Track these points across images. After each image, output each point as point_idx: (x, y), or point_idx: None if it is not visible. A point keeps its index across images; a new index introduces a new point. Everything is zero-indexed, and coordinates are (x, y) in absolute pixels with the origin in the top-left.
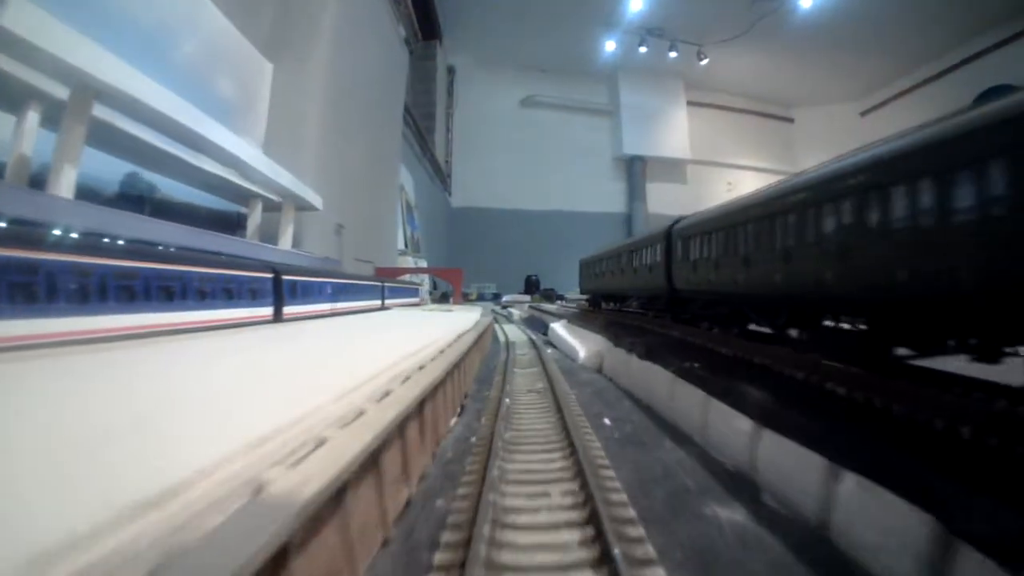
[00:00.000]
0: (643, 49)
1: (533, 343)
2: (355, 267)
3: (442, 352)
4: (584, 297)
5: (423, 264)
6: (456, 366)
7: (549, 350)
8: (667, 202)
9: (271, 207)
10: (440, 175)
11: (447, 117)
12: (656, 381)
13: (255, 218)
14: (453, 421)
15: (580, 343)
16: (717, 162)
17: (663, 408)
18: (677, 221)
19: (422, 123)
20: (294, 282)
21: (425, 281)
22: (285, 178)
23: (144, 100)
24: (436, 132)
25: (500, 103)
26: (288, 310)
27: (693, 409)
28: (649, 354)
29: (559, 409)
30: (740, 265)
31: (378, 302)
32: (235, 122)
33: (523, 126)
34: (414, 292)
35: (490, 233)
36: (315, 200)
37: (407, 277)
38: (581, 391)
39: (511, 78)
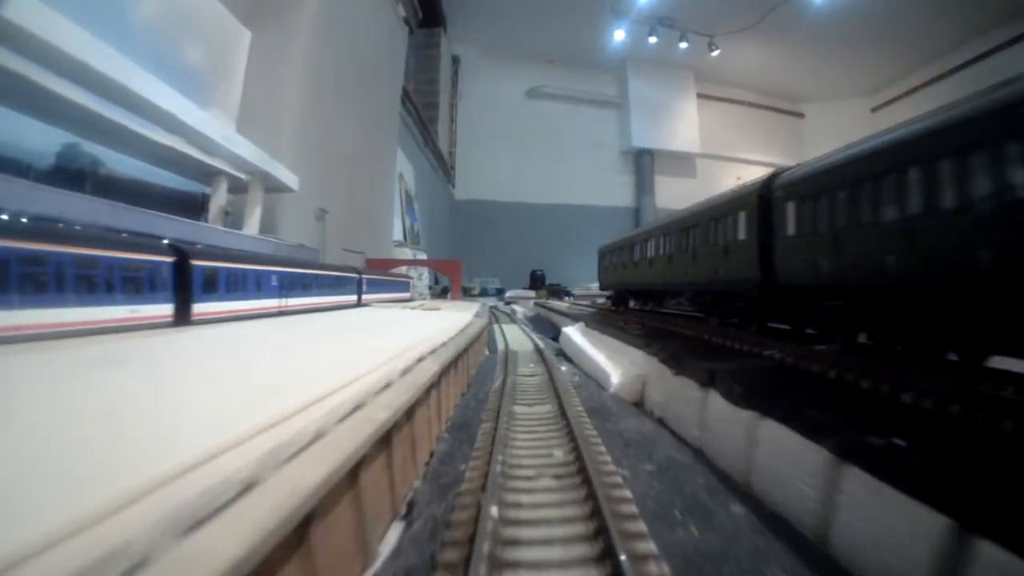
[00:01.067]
0: (653, 39)
1: (541, 355)
2: (341, 258)
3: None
4: (599, 293)
5: (423, 257)
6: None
7: (564, 366)
8: (676, 196)
9: (240, 187)
10: (443, 166)
11: (451, 108)
12: (797, 464)
13: (218, 199)
14: None
15: (610, 361)
16: (727, 156)
17: (814, 522)
18: (775, 175)
19: (425, 113)
20: (213, 270)
21: (424, 275)
22: (249, 151)
23: (66, 50)
24: (439, 122)
25: (506, 94)
26: (201, 308)
27: (913, 545)
28: (751, 395)
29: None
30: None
31: (352, 298)
32: (204, 92)
33: (529, 118)
34: (403, 286)
35: (494, 227)
36: (289, 179)
37: (404, 270)
38: (634, 470)
39: (517, 68)
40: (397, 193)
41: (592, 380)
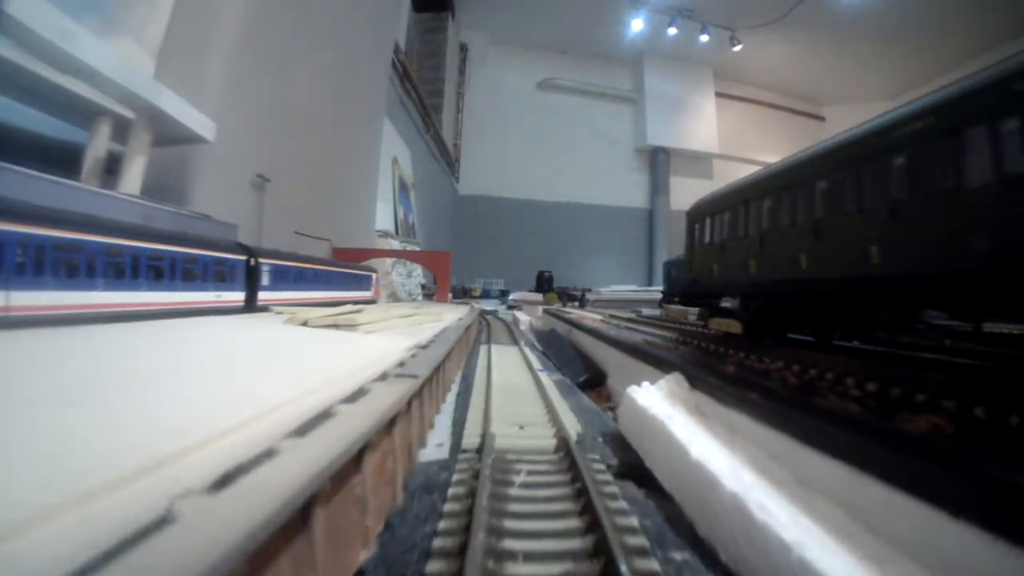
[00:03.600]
0: (672, 30)
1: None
2: (294, 243)
3: None
4: (627, 299)
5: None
6: None
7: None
8: (691, 199)
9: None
10: (447, 158)
11: (458, 97)
12: None
13: (96, 146)
14: None
15: None
16: (745, 158)
17: None
18: None
19: (429, 100)
20: None
21: (415, 272)
22: (123, 71)
23: None
24: (444, 111)
25: (515, 85)
26: None
27: None
28: None
29: None
30: None
31: (236, 297)
32: (110, 13)
33: (539, 110)
34: (359, 282)
35: (499, 224)
36: (198, 125)
37: (389, 264)
38: None
39: (528, 59)
40: (389, 177)
41: None
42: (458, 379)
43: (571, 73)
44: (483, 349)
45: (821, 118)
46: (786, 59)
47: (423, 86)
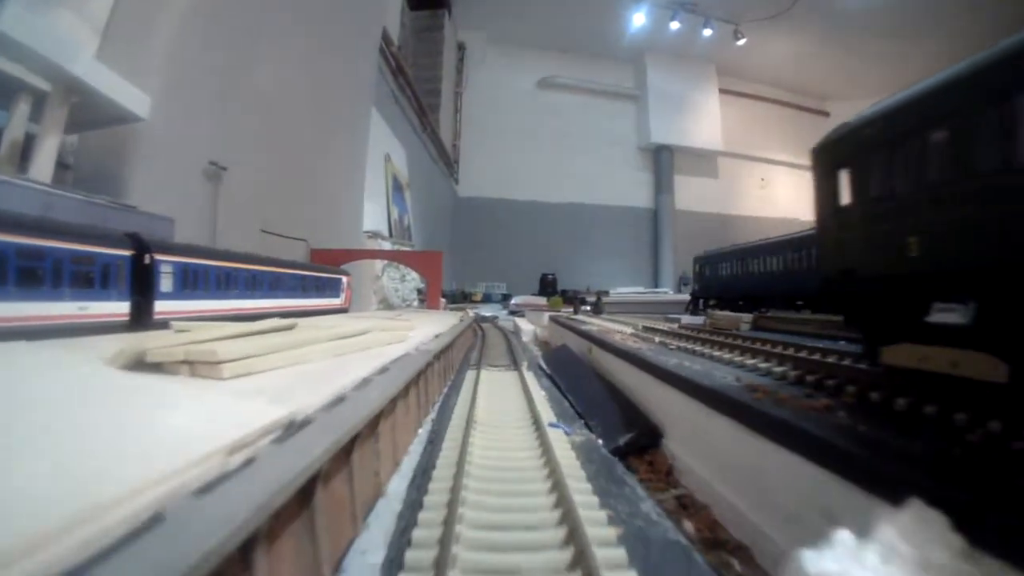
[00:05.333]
0: (675, 25)
1: None
2: (263, 243)
3: None
4: (643, 300)
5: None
6: None
7: None
8: (696, 197)
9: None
10: (445, 158)
11: (455, 97)
12: None
13: (14, 127)
14: None
15: None
16: (749, 156)
17: None
18: None
19: (426, 100)
20: None
21: (409, 276)
22: (37, 39)
23: None
24: (442, 111)
25: (515, 84)
26: None
27: None
28: None
29: None
30: None
31: (113, 309)
32: None
33: (540, 110)
34: (323, 287)
35: (500, 227)
36: (129, 99)
37: (379, 267)
38: None
39: (527, 57)
40: (382, 175)
41: None
42: (421, 435)
43: (572, 71)
44: (470, 377)
45: (826, 114)
46: (790, 54)
47: (419, 85)
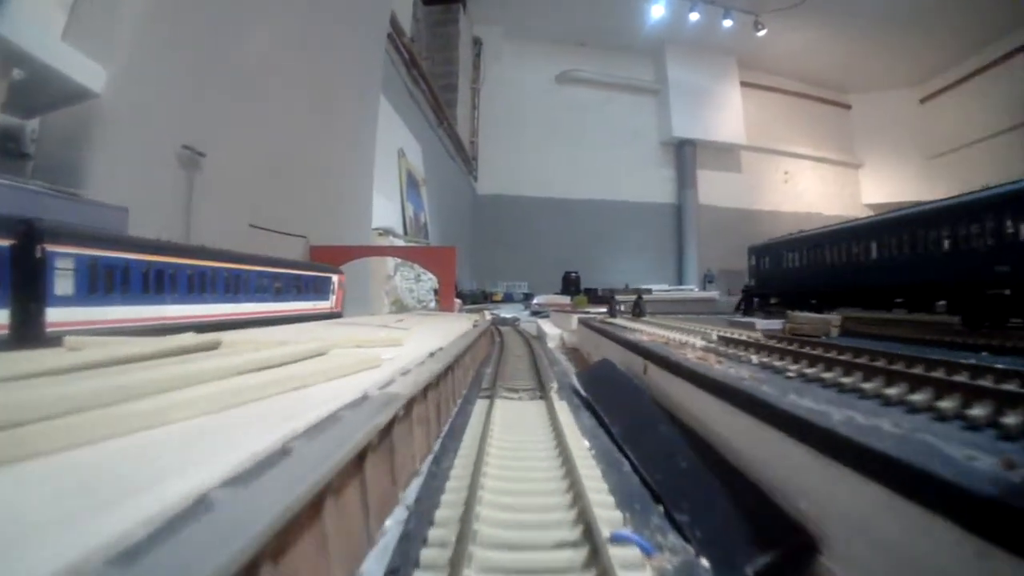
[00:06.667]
0: (694, 16)
1: None
2: (249, 237)
3: None
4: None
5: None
6: None
7: None
8: (720, 192)
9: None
10: (463, 155)
11: (473, 93)
12: None
13: None
14: None
15: None
16: (773, 149)
17: None
18: None
19: (441, 95)
20: None
21: (424, 276)
22: None
23: None
24: (459, 107)
25: (533, 79)
26: None
27: None
28: None
29: None
30: None
31: None
32: None
33: (559, 105)
34: (304, 287)
35: (521, 225)
36: (80, 71)
37: (390, 266)
38: None
39: (545, 52)
40: (395, 171)
41: None
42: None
43: (590, 65)
44: (478, 413)
45: (847, 106)
46: (810, 46)
47: (435, 81)
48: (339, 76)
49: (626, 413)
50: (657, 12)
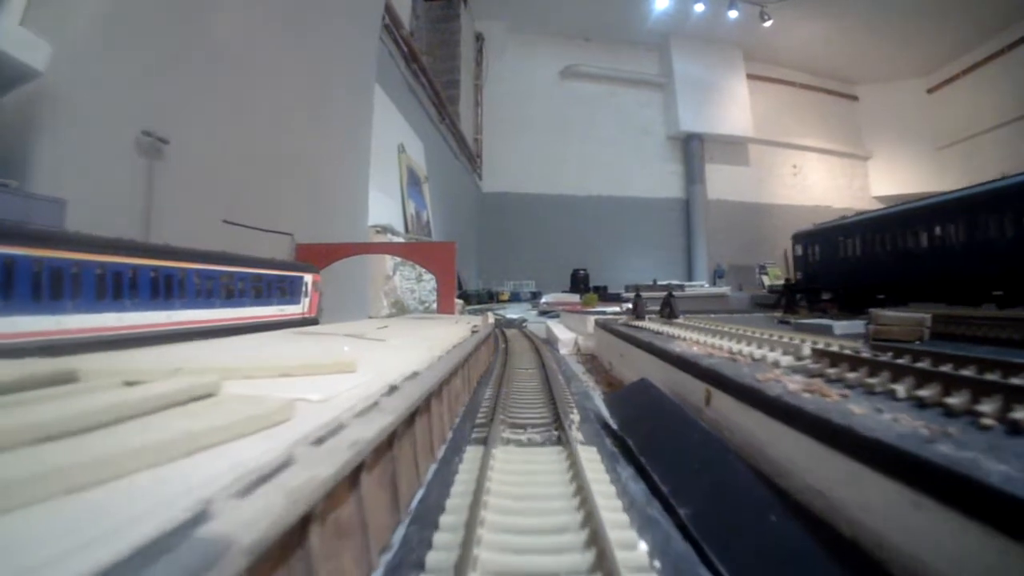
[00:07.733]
0: (699, 7)
1: None
2: (223, 235)
3: None
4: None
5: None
6: None
7: None
8: (728, 187)
9: None
10: (467, 152)
11: (475, 90)
12: None
13: None
14: None
15: None
16: (781, 142)
17: None
18: None
19: (445, 92)
20: None
21: (428, 275)
22: None
23: None
24: (462, 103)
25: (537, 75)
26: None
27: None
28: None
29: None
30: None
31: None
32: None
33: (564, 100)
34: (268, 289)
35: (527, 223)
36: (18, 45)
37: (389, 264)
38: None
39: (549, 47)
40: (395, 167)
41: None
42: None
43: (596, 59)
44: (471, 456)
45: (855, 98)
46: (816, 37)
47: (437, 77)
48: (329, 63)
49: (693, 478)
50: (662, 3)
